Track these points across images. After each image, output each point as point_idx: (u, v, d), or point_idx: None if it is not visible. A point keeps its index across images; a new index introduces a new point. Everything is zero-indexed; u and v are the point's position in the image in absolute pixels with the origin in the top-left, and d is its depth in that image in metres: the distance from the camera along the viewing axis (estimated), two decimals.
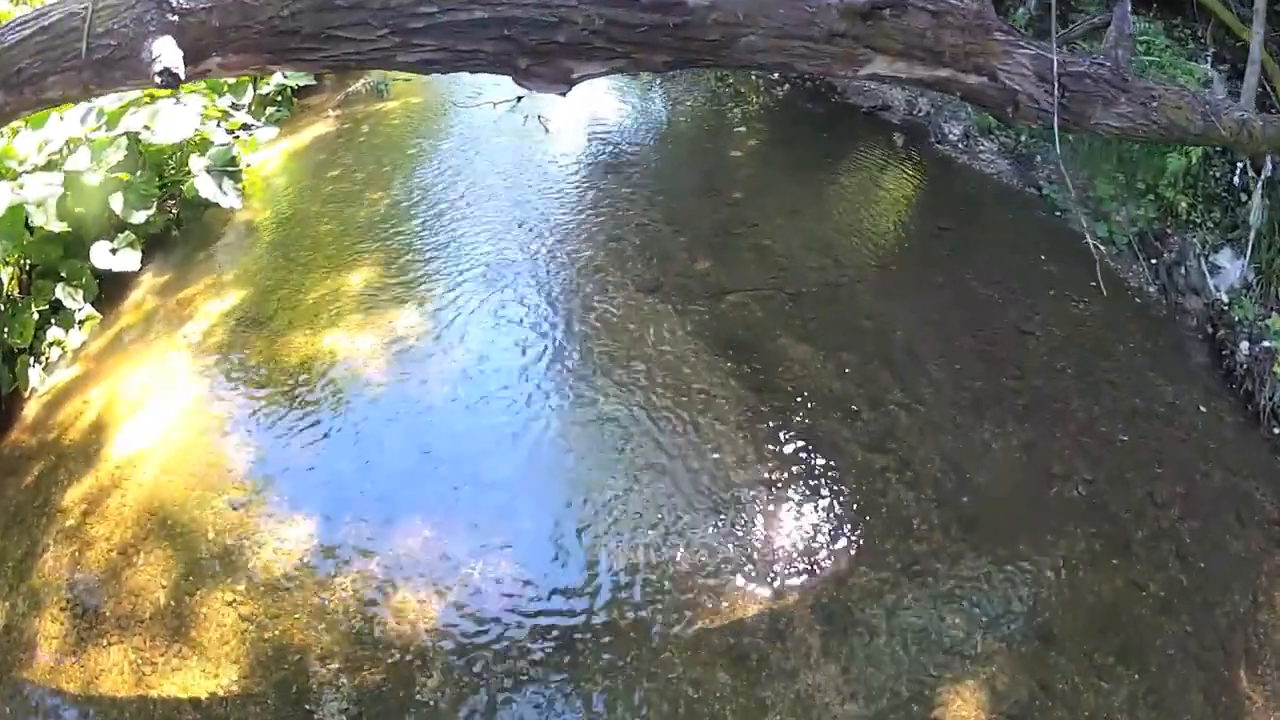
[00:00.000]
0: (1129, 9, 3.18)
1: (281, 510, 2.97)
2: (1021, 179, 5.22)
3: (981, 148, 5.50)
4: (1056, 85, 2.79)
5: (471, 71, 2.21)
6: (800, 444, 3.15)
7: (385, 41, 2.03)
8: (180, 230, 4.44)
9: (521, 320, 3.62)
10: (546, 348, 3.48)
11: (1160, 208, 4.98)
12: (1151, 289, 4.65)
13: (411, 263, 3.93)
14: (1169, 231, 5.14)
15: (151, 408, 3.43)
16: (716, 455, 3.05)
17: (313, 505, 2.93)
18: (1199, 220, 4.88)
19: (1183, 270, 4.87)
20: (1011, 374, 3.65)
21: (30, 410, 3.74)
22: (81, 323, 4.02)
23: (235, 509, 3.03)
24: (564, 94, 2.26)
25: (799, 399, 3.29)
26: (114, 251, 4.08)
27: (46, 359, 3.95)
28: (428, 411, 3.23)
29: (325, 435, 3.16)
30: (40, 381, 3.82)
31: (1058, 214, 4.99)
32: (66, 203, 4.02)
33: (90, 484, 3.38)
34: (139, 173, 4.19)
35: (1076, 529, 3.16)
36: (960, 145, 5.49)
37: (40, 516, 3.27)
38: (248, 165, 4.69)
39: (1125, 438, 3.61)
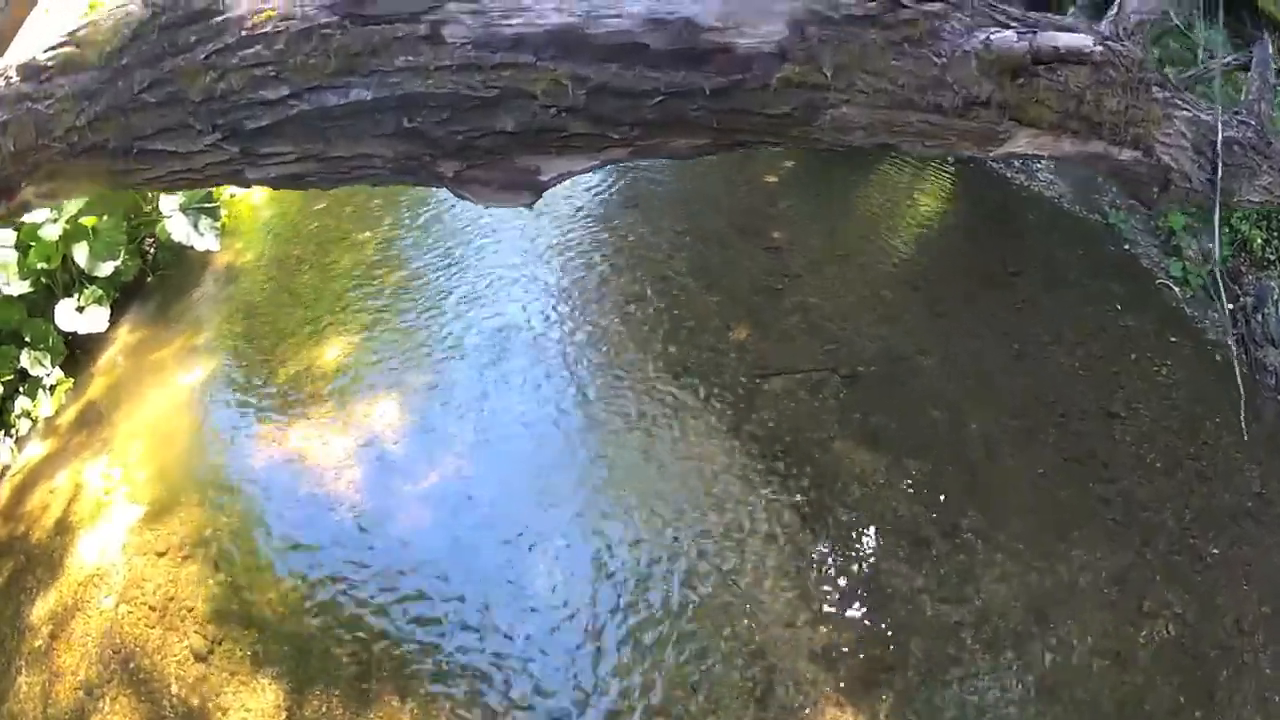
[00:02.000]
0: (1270, 50, 2.17)
1: (245, 668, 2.25)
2: (1084, 203, 4.18)
3: (1038, 165, 4.44)
4: (1219, 161, 1.85)
5: (372, 184, 1.36)
6: (861, 599, 2.31)
7: (220, 152, 1.22)
8: (156, 276, 3.58)
9: (518, 420, 2.73)
10: (545, 464, 2.59)
11: (1234, 241, 3.99)
12: (1230, 340, 3.73)
13: (393, 332, 3.03)
14: (1244, 270, 4.17)
15: (112, 514, 2.68)
16: (753, 620, 2.22)
17: (278, 666, 2.20)
18: (1274, 257, 3.92)
19: (1259, 318, 3.93)
20: (1100, 476, 2.81)
21: (3, 491, 3.11)
22: (51, 389, 3.25)
23: (197, 659, 2.35)
24: (529, 205, 1.38)
25: (859, 530, 2.45)
26: (80, 309, 3.24)
27: (16, 431, 3.23)
28: (407, 547, 2.40)
29: (292, 577, 2.38)
30: (12, 458, 3.11)
31: (1126, 247, 3.98)
32: (29, 258, 3.18)
33: (56, 600, 2.71)
34: (104, 218, 3.29)
35: (1166, 683, 2.42)
36: (1016, 163, 4.44)
37: (12, 629, 2.65)
38: (232, 195, 3.78)
39: (1216, 550, 2.79)
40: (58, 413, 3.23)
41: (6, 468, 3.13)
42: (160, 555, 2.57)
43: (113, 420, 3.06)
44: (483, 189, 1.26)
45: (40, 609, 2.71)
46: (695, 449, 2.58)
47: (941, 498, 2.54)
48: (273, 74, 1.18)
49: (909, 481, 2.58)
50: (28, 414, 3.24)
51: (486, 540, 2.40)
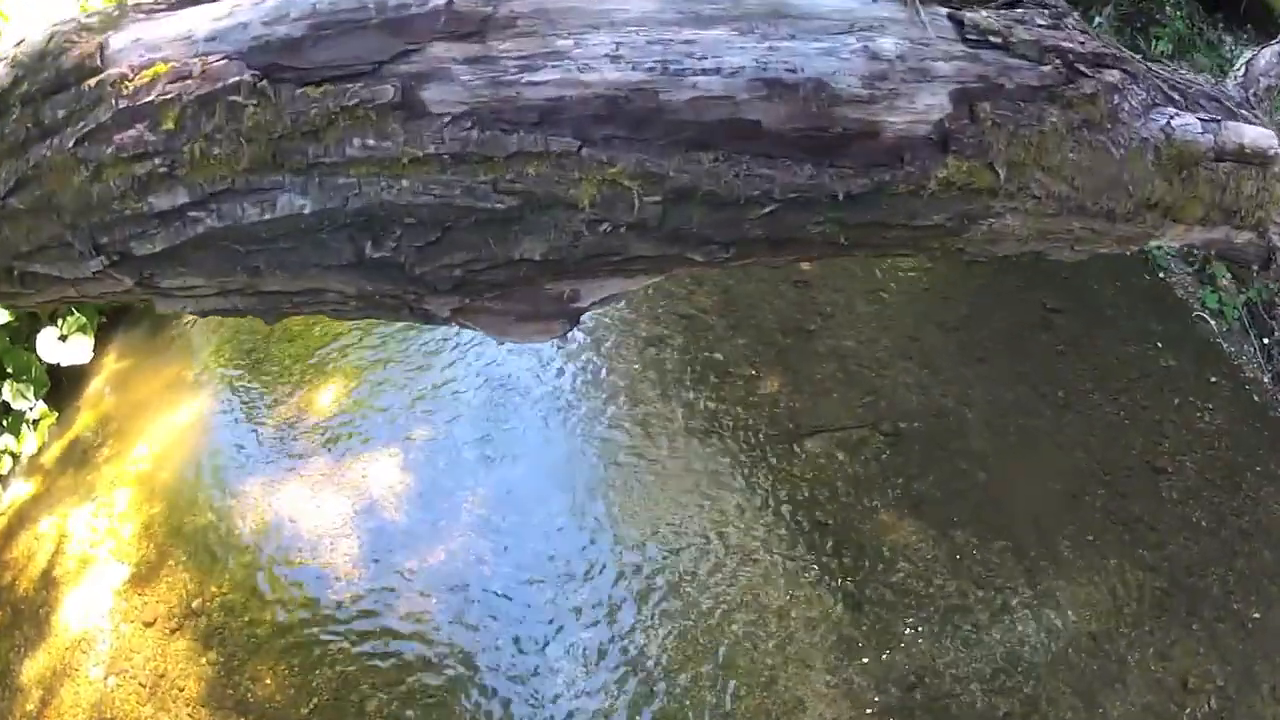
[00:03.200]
0: None
1: None
2: None
3: None
4: None
5: (335, 318, 0.98)
6: (909, 689, 2.01)
7: (113, 281, 0.86)
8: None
9: (526, 483, 2.33)
10: (560, 548, 2.21)
11: None
12: (1266, 378, 3.44)
13: (389, 377, 2.63)
14: (1279, 301, 3.84)
15: (98, 572, 2.36)
16: None
17: None
18: None
19: None
20: (1148, 541, 2.53)
21: None
22: (35, 423, 2.90)
23: None
24: (561, 337, 0.98)
25: (906, 612, 2.12)
26: (63, 338, 2.90)
27: None
28: (411, 638, 2.03)
29: (287, 662, 2.03)
30: None
31: (1160, 275, 3.63)
32: None
33: (45, 663, 2.41)
34: None
35: None
36: None
37: (3, 687, 2.38)
38: None
39: (1257, 615, 2.55)
40: (41, 450, 2.89)
41: None
42: (148, 625, 2.27)
43: (97, 462, 2.73)
44: (494, 321, 0.89)
45: (30, 670, 2.43)
46: (729, 522, 2.27)
47: (989, 573, 2.26)
48: (162, 170, 0.81)
49: (957, 555, 2.30)
50: (10, 452, 2.93)
51: (503, 630, 2.07)
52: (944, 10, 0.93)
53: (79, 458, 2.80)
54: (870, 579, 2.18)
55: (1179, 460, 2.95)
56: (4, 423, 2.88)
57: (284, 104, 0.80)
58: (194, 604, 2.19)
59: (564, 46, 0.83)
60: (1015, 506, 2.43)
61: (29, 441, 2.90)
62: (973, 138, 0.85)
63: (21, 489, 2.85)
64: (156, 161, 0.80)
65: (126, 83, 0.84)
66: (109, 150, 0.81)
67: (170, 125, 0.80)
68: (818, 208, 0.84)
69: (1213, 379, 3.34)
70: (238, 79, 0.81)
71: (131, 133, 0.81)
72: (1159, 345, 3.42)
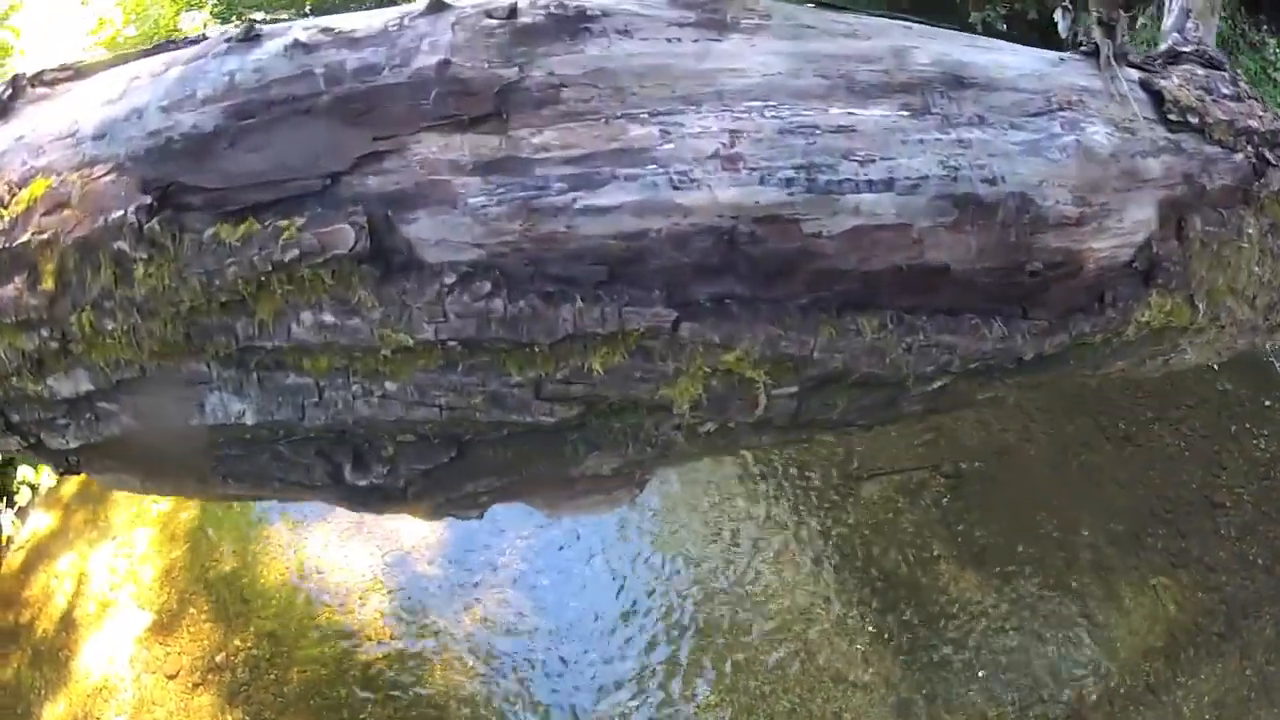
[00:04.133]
0: None
1: None
2: None
3: None
4: None
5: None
6: None
7: (47, 458, 0.68)
8: None
9: (566, 535, 2.06)
10: (606, 600, 1.95)
11: None
12: None
13: None
14: None
15: (118, 617, 2.19)
16: None
17: None
18: None
19: None
20: (1205, 583, 2.30)
21: (8, 567, 2.58)
22: None
23: None
24: (629, 501, 0.72)
25: (967, 675, 1.92)
26: None
27: (17, 502, 2.73)
28: (444, 703, 1.80)
29: None
30: (14, 530, 2.61)
31: None
32: None
33: (66, 709, 2.21)
34: None
35: None
36: None
37: None
38: None
39: None
40: (59, 483, 2.77)
41: (10, 540, 2.68)
42: (170, 678, 2.12)
43: (115, 498, 2.58)
44: (545, 500, 0.66)
45: (52, 715, 2.29)
46: (784, 572, 2.06)
47: (1054, 630, 2.08)
48: (54, 345, 0.59)
49: (1020, 609, 2.11)
50: (29, 483, 2.77)
51: (545, 694, 1.84)
52: (1134, 74, 0.71)
53: (96, 494, 2.64)
54: (930, 635, 1.98)
55: (1237, 493, 2.74)
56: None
57: (188, 257, 0.54)
58: (218, 658, 2.03)
59: (643, 139, 0.54)
60: (1078, 554, 2.21)
61: (46, 474, 2.76)
62: (1178, 265, 0.62)
63: (41, 521, 2.68)
64: (44, 334, 0.58)
65: (2, 210, 0.61)
66: None
67: (50, 284, 0.57)
68: (998, 375, 0.61)
69: (1267, 403, 3.12)
70: (122, 214, 0.56)
71: (10, 290, 0.59)
72: (1215, 368, 3.20)
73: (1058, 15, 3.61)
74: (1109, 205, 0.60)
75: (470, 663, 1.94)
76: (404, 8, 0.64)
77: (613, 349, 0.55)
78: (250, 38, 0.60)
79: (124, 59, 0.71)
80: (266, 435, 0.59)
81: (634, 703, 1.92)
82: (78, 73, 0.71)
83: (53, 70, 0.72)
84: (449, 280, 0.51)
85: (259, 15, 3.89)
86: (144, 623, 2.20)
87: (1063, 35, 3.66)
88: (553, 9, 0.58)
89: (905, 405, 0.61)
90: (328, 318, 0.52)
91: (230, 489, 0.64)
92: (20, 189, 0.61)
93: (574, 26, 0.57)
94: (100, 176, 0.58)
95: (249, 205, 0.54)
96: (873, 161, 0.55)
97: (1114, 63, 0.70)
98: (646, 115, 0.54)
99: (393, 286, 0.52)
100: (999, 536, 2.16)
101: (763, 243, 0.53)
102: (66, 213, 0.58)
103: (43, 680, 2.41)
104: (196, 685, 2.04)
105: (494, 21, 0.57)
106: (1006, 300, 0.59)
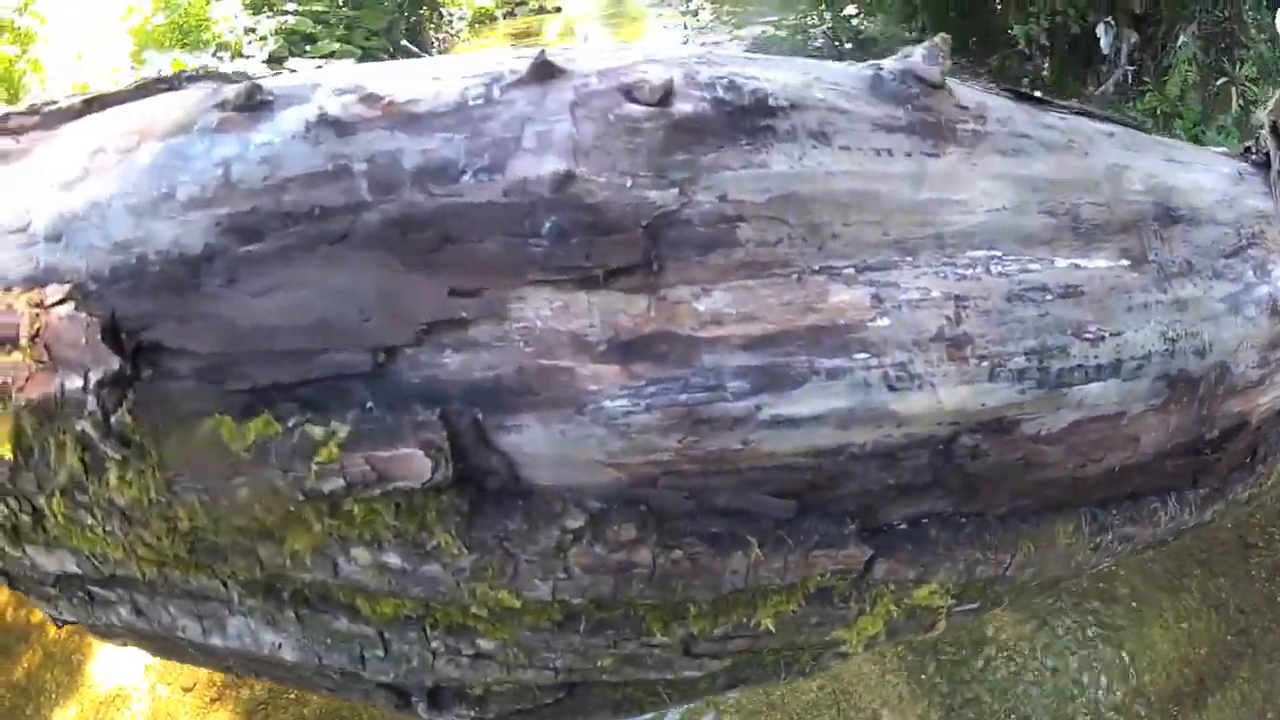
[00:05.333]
0: None
1: None
2: None
3: None
4: None
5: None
6: None
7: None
8: None
9: None
10: None
11: None
12: None
13: None
14: None
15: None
16: None
17: None
18: None
19: None
20: (1235, 625, 2.13)
21: None
22: None
23: None
24: None
25: (1005, 713, 1.74)
26: None
27: None
28: None
29: None
30: None
31: None
32: None
33: (76, 713, 2.07)
34: None
35: None
36: None
37: None
38: None
39: None
40: None
41: None
42: (187, 691, 1.99)
43: None
44: None
45: (61, 719, 2.21)
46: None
47: (1088, 673, 1.98)
48: (26, 519, 0.45)
49: (1056, 649, 2.00)
50: None
51: None
52: None
53: None
54: (966, 674, 1.88)
55: (1269, 532, 2.61)
56: None
57: (170, 452, 0.38)
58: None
59: (850, 309, 0.39)
60: (1117, 590, 2.12)
61: None
62: None
63: None
64: (12, 504, 0.43)
65: None
66: None
67: (4, 449, 0.40)
68: (1150, 546, 0.53)
69: None
70: (81, 387, 0.38)
71: None
72: None
73: (1100, 30, 3.32)
74: None
75: None
76: (488, 64, 0.41)
77: (788, 597, 0.38)
78: (254, 105, 0.39)
79: (96, 101, 0.48)
80: (307, 671, 0.43)
81: None
82: (43, 120, 0.49)
83: (16, 114, 0.51)
84: (574, 524, 0.33)
85: (291, 6, 3.50)
86: None
87: (1104, 51, 3.38)
88: (721, 93, 0.37)
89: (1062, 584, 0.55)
90: (391, 559, 0.35)
91: (268, 679, 0.49)
92: None
93: (752, 123, 0.37)
94: (55, 305, 0.39)
95: (261, 387, 0.35)
96: (1103, 339, 0.41)
97: None
98: (853, 270, 0.37)
99: (488, 529, 0.34)
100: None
101: (985, 455, 0.38)
102: (16, 355, 0.39)
103: (54, 683, 2.31)
104: (213, 700, 1.93)
105: (638, 110, 0.36)
106: (1181, 475, 0.48)
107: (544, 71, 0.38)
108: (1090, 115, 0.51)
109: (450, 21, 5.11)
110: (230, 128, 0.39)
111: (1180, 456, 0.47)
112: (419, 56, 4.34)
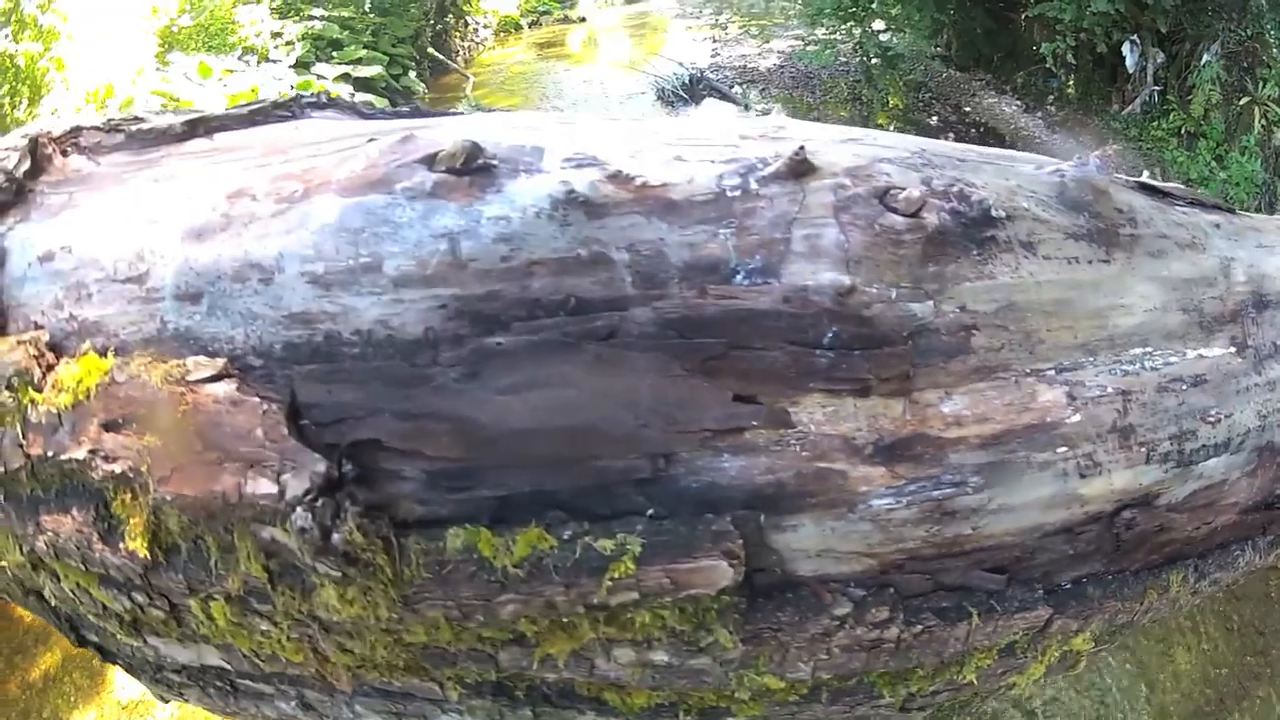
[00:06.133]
0: None
1: None
2: None
3: None
4: None
5: None
6: None
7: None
8: None
9: None
10: None
11: None
12: None
13: None
14: None
15: None
16: None
17: None
18: None
19: None
20: (1255, 647, 2.19)
21: None
22: None
23: None
24: None
25: None
26: None
27: None
28: None
29: None
30: None
31: None
32: None
33: (95, 718, 2.20)
34: None
35: None
36: None
37: None
38: None
39: None
40: None
41: None
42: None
43: None
44: None
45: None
46: None
47: (1112, 694, 2.02)
48: (157, 614, 0.43)
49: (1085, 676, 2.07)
50: None
51: None
52: None
53: None
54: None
55: None
56: None
57: (420, 584, 0.34)
58: None
59: (1053, 408, 0.42)
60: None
61: None
62: None
63: None
64: (139, 599, 0.38)
65: (32, 391, 0.37)
66: (46, 535, 0.37)
67: (139, 546, 0.35)
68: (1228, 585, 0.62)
69: None
70: (275, 494, 0.32)
71: (68, 524, 0.36)
72: None
73: (1126, 49, 3.39)
74: None
75: None
76: (729, 141, 0.39)
77: (987, 654, 0.44)
78: (475, 170, 0.34)
79: (201, 124, 0.41)
80: None
81: None
82: (130, 140, 0.41)
83: (92, 129, 0.43)
84: (842, 612, 0.36)
85: (318, 12, 3.48)
86: None
87: (1130, 70, 3.45)
88: (957, 203, 0.41)
89: None
90: (659, 657, 0.36)
91: None
92: (57, 356, 0.36)
93: (981, 234, 0.41)
94: (208, 381, 0.33)
95: (512, 497, 0.33)
96: (1219, 421, 0.48)
97: None
98: (1054, 371, 0.42)
99: (763, 622, 0.36)
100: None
101: (1135, 525, 0.44)
102: (149, 438, 0.34)
103: (73, 686, 2.25)
104: None
105: (900, 222, 0.38)
106: (1256, 526, 0.55)
107: (801, 168, 0.39)
108: (1202, 205, 0.57)
109: (476, 30, 5.13)
110: (449, 195, 0.34)
111: (1257, 511, 0.54)
112: (445, 64, 4.34)
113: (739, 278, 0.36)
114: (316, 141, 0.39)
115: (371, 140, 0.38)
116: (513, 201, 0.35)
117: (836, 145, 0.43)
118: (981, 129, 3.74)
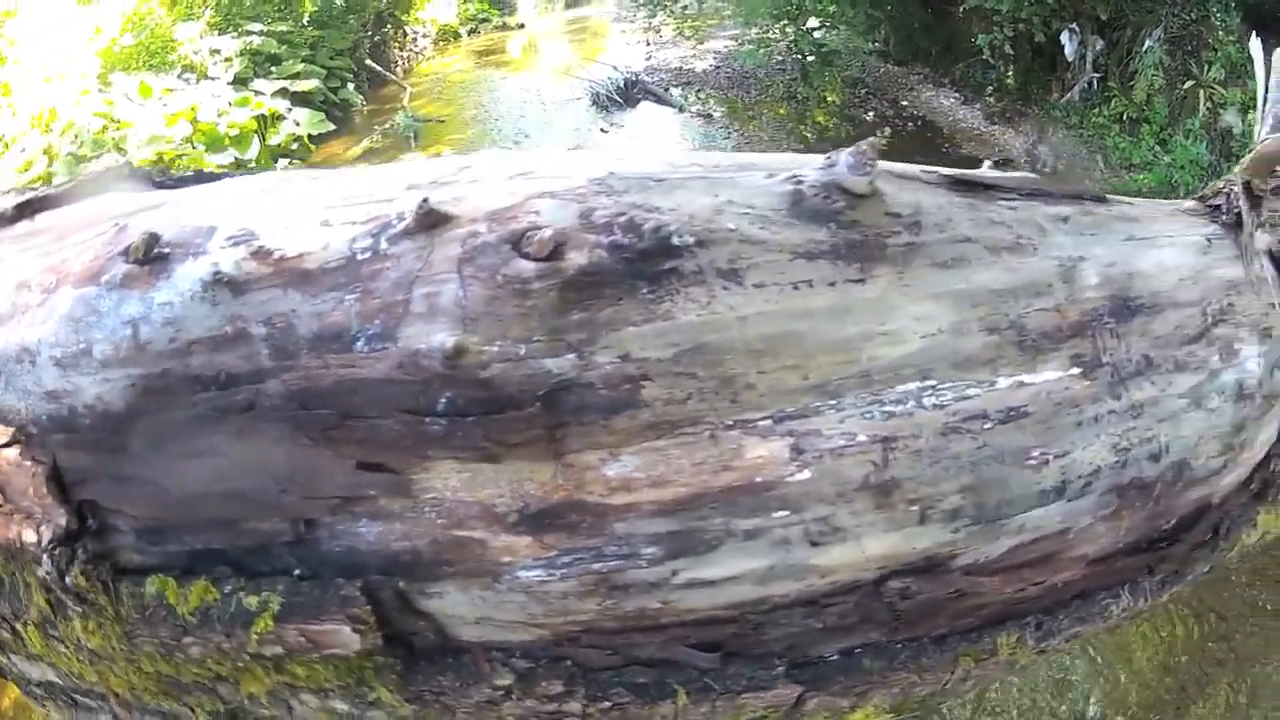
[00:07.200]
0: None
1: None
2: None
3: None
4: None
5: None
6: None
7: None
8: None
9: None
10: None
11: None
12: None
13: None
14: None
15: None
16: None
17: None
18: None
19: None
20: (1216, 632, 2.14)
21: None
22: None
23: None
24: None
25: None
26: None
27: None
28: None
29: None
30: None
31: None
32: None
33: None
34: None
35: None
36: None
37: None
38: None
39: None
40: None
41: None
42: None
43: None
44: None
45: None
46: None
47: (1065, 685, 1.99)
48: (4, 635, 0.50)
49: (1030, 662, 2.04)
50: None
51: None
52: (1265, 240, 0.55)
53: None
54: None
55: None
56: None
57: (133, 622, 0.41)
58: None
59: (768, 464, 0.38)
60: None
61: None
62: None
63: None
64: None
65: None
66: None
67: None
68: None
69: None
70: (36, 541, 0.40)
71: None
72: None
73: (1064, 38, 3.40)
74: (1247, 438, 0.50)
75: None
76: (380, 199, 0.39)
77: None
78: (151, 259, 0.38)
79: (29, 207, 0.47)
80: None
81: None
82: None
83: None
84: (503, 682, 0.35)
85: (256, 27, 3.46)
86: None
87: (1069, 58, 3.47)
88: (620, 235, 0.36)
89: None
90: (340, 706, 0.37)
91: None
92: None
93: (654, 267, 0.36)
94: (4, 446, 0.41)
95: (197, 551, 0.37)
96: (1046, 464, 0.41)
97: (1254, 240, 0.54)
98: (770, 421, 0.36)
99: (424, 684, 0.36)
100: None
101: (916, 595, 0.39)
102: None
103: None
104: None
105: (528, 268, 0.35)
106: (1135, 569, 0.49)
107: (430, 220, 0.37)
108: (1046, 195, 0.49)
109: (414, 40, 5.10)
110: (133, 285, 0.39)
111: (1132, 554, 0.47)
112: (384, 76, 4.33)
113: (359, 344, 0.35)
114: (90, 224, 0.44)
115: (117, 227, 0.42)
116: (176, 286, 0.39)
117: (499, 183, 0.39)
118: (919, 122, 3.69)
